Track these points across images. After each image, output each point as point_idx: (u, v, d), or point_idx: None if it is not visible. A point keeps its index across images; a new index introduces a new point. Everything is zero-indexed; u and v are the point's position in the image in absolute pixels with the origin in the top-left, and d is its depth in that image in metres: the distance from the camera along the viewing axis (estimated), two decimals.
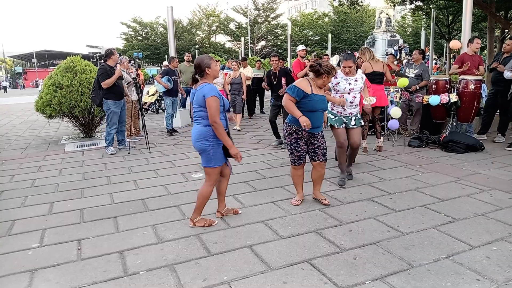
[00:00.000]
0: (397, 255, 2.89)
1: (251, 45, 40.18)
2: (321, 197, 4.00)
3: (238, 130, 8.55)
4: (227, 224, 3.54)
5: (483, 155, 5.79)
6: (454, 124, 6.54)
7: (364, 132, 6.17)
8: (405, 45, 22.27)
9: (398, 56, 19.16)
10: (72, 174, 5.49)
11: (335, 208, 3.85)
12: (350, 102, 4.55)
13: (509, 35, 9.80)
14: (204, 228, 3.46)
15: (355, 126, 4.60)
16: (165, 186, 4.75)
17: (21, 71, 60.74)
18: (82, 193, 4.60)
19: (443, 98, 6.22)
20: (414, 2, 16.89)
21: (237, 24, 43.73)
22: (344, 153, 4.60)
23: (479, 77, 6.59)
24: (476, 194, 4.14)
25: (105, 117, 6.93)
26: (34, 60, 52.47)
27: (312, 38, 42.15)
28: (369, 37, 24.37)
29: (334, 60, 18.09)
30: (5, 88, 44.11)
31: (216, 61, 3.53)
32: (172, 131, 8.52)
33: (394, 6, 18.33)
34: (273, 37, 44.69)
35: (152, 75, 36.58)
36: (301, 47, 8.44)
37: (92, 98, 6.78)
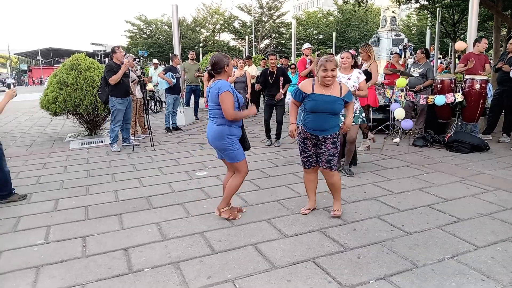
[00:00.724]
0: (401, 254, 2.89)
1: (255, 43, 40.13)
2: (333, 208, 3.68)
3: None
4: (231, 222, 3.55)
5: (488, 155, 5.76)
6: (459, 124, 6.50)
7: (365, 130, 6.15)
8: (410, 44, 22.10)
9: (403, 55, 19.04)
10: (77, 171, 5.52)
11: None
12: None
13: None
14: (208, 226, 3.47)
15: (353, 124, 4.55)
16: (169, 184, 4.77)
17: (26, 68, 61.00)
18: (87, 190, 4.63)
19: (449, 98, 6.20)
20: (419, 0, 16.79)
21: (241, 22, 43.68)
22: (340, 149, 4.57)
23: (485, 77, 6.54)
24: (481, 194, 4.12)
25: (110, 114, 6.96)
26: (39, 57, 52.66)
27: (316, 37, 42.01)
28: (373, 36, 24.23)
29: (338, 58, 17.99)
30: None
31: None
32: (170, 130, 8.50)
33: (400, 4, 18.21)
34: (277, 35, 44.61)
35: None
36: (306, 45, 8.41)
37: (98, 95, 6.84)
